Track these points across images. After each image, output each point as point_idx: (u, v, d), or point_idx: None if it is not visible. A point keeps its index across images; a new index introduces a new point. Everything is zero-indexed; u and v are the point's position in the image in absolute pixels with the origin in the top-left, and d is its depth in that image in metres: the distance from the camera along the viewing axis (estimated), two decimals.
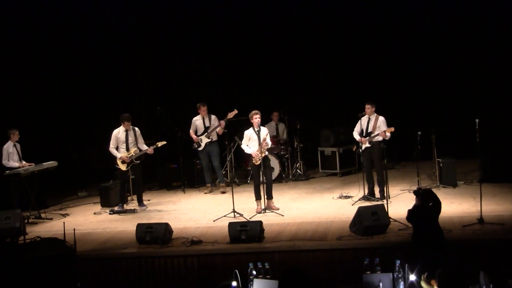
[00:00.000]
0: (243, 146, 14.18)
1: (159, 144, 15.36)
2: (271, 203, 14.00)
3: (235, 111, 16.06)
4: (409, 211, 10.49)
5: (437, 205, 10.37)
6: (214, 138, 16.49)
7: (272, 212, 13.72)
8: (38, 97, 18.41)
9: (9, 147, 15.12)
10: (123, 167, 15.20)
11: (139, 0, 18.95)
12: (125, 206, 15.28)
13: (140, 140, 15.34)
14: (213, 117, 16.46)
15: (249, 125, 14.13)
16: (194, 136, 16.48)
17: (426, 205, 10.30)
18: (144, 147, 15.30)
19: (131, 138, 15.21)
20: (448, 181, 15.10)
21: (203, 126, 16.43)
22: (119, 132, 15.17)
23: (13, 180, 14.87)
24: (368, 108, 14.36)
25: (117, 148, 15.20)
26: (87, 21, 18.73)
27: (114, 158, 15.22)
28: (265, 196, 13.93)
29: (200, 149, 16.51)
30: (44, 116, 18.46)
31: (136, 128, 15.30)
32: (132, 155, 15.17)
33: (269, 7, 18.79)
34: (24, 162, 15.18)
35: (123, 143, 15.18)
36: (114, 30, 18.89)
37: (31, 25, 18.15)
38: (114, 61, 19.06)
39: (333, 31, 18.69)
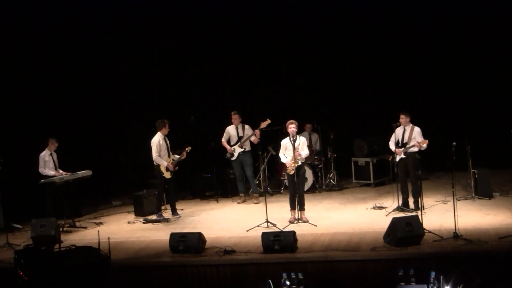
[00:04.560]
0: (280, 155, 14.20)
1: (187, 149, 15.44)
2: (303, 214, 13.97)
3: (268, 121, 16.05)
4: None
5: None
6: (247, 148, 16.49)
7: (305, 222, 13.71)
8: (74, 107, 18.52)
9: (45, 155, 15.25)
10: (167, 175, 15.25)
11: (179, 11, 19.01)
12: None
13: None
14: (246, 126, 16.47)
15: (285, 134, 14.12)
16: (226, 146, 16.50)
17: None
18: (175, 155, 15.39)
19: (169, 145, 15.30)
20: (483, 192, 14.96)
21: (236, 136, 16.45)
22: (160, 140, 15.20)
23: (48, 189, 14.97)
24: (403, 118, 14.28)
25: None
26: (120, 31, 18.84)
27: (157, 166, 15.23)
28: (298, 207, 13.93)
29: (233, 158, 16.52)
30: (79, 125, 18.57)
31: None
32: (173, 161, 15.26)
33: (304, 16, 18.79)
34: (61, 171, 15.31)
35: (165, 149, 15.23)
36: (146, 40, 19.03)
37: (66, 34, 18.29)
38: (148, 71, 19.15)
39: (367, 41, 18.67)
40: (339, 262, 11.29)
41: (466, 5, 17.77)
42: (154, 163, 15.26)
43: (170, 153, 15.33)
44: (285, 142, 14.03)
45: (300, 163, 13.89)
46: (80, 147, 18.29)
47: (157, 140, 15.16)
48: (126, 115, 19.14)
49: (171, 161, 15.25)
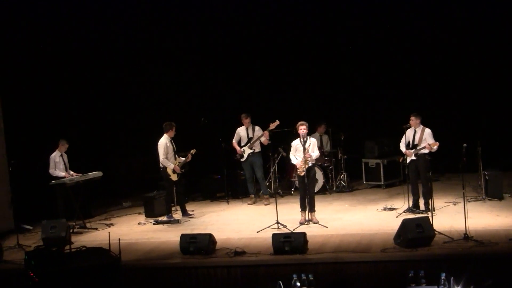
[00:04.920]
0: (291, 156, 14.21)
1: (192, 151, 15.48)
2: (313, 215, 13.97)
3: (277, 122, 16.04)
4: None
5: None
6: (257, 149, 16.48)
7: (316, 223, 13.71)
8: (84, 109, 18.57)
9: (56, 156, 15.30)
10: (174, 177, 15.29)
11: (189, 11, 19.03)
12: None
13: None
14: (257, 128, 16.47)
15: (296, 136, 14.12)
16: (236, 147, 16.52)
17: None
18: (180, 158, 15.43)
19: (175, 147, 15.33)
20: (494, 193, 14.92)
21: (246, 137, 16.46)
22: (167, 142, 15.22)
23: (58, 190, 15.00)
24: (413, 119, 14.25)
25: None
26: (129, 33, 18.89)
27: (164, 169, 15.27)
28: (308, 208, 13.93)
29: (242, 160, 16.53)
30: (89, 127, 18.62)
31: None
32: (179, 163, 15.29)
33: (315, 17, 18.79)
34: (71, 172, 15.35)
35: (172, 152, 15.27)
36: (156, 41, 19.07)
37: (75, 37, 18.33)
38: (158, 72, 19.17)
39: (377, 42, 18.63)
40: (350, 264, 11.29)
41: (478, 6, 17.73)
42: (161, 165, 15.29)
43: (176, 155, 15.36)
44: (296, 144, 14.03)
45: (310, 165, 13.90)
46: (91, 148, 18.33)
47: (164, 142, 15.18)
48: (137, 116, 19.16)
49: (177, 163, 15.28)
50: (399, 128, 14.52)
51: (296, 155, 13.98)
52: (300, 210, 14.03)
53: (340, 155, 17.74)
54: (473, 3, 17.75)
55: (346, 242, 12.25)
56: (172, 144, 15.30)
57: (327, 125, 17.83)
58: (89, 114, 18.68)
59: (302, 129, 13.80)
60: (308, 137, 13.98)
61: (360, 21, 18.62)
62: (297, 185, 15.63)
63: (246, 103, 18.23)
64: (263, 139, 16.27)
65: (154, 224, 15.05)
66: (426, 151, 14.04)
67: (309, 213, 13.93)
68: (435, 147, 13.94)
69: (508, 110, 17.71)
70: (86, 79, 18.57)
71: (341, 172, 17.75)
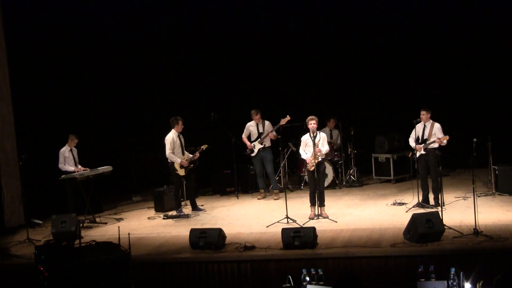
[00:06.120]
0: (300, 151, 14.21)
1: (203, 147, 15.49)
2: (323, 210, 13.96)
3: (288, 118, 16.04)
4: None
5: None
6: (267, 144, 16.50)
7: (325, 218, 13.70)
8: (94, 103, 18.60)
9: (65, 151, 15.32)
10: (181, 172, 15.31)
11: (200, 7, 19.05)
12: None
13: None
14: (267, 123, 16.47)
15: (306, 130, 14.12)
16: (247, 142, 16.53)
17: None
18: (189, 154, 15.44)
19: (183, 142, 15.34)
20: (504, 188, 14.88)
21: (256, 132, 16.47)
22: (173, 137, 15.24)
23: (68, 185, 15.04)
24: (423, 114, 14.22)
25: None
26: (140, 27, 18.92)
27: (172, 163, 15.29)
28: (318, 203, 13.92)
29: (253, 155, 16.54)
30: (99, 121, 18.65)
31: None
32: (187, 159, 15.30)
33: (325, 11, 18.77)
34: (80, 167, 15.38)
35: (179, 147, 15.27)
36: (167, 36, 19.08)
37: (85, 31, 18.37)
38: (169, 68, 19.18)
39: (388, 37, 18.59)
40: (359, 259, 11.28)
41: (489, 2, 17.70)
42: (168, 160, 15.31)
43: (184, 151, 15.37)
44: (306, 138, 14.03)
45: (320, 159, 13.88)
46: (101, 143, 18.36)
47: (171, 137, 15.20)
48: (148, 111, 19.18)
49: (185, 158, 15.29)
50: (409, 123, 14.49)
51: (306, 150, 13.98)
52: (310, 205, 14.02)
53: (350, 149, 17.73)
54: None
55: (356, 237, 12.23)
56: (180, 139, 15.31)
57: (337, 120, 17.81)
58: (99, 108, 18.70)
59: (312, 123, 13.79)
60: (318, 131, 13.97)
61: (370, 16, 18.60)
62: (306, 180, 15.62)
63: (256, 98, 18.23)
64: (271, 135, 16.28)
65: (164, 218, 15.07)
66: (436, 145, 14.01)
67: (319, 207, 13.91)
68: (445, 141, 13.90)
69: None
70: (97, 73, 18.59)
71: (351, 167, 17.74)
